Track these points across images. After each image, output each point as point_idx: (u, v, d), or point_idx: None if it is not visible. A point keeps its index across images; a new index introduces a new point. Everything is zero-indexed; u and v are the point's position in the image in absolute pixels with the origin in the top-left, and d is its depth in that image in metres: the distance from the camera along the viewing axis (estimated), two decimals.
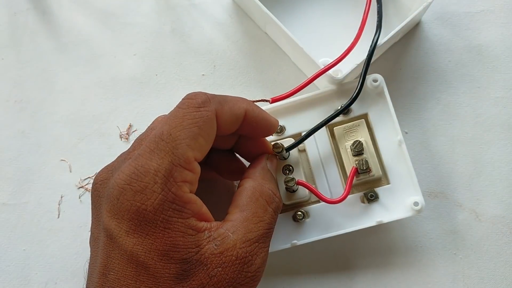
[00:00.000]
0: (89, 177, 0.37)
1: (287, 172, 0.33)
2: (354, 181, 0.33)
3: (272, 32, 0.39)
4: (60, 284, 0.36)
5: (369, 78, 0.33)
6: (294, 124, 0.34)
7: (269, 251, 0.31)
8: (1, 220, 0.37)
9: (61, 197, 0.37)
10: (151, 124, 0.30)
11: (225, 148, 0.32)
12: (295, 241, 0.32)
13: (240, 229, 0.26)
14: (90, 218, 0.29)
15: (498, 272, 0.35)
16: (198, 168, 0.26)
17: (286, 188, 0.32)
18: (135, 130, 0.38)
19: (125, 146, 0.38)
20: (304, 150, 0.34)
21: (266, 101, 0.32)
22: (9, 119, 0.39)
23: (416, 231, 0.36)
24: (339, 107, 0.33)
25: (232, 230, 0.26)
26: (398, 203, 0.32)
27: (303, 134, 0.34)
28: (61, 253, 0.36)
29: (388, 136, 0.34)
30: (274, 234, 0.31)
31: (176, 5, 0.41)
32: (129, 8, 0.41)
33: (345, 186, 0.33)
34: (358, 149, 0.32)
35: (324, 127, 0.33)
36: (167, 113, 0.28)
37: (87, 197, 0.37)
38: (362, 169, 0.32)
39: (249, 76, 0.39)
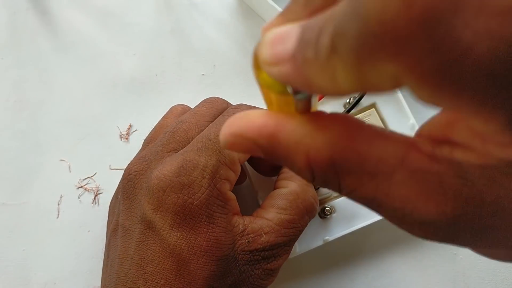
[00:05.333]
0: (88, 177, 0.37)
1: None
2: None
3: None
4: (59, 284, 0.36)
5: None
6: None
7: (301, 251, 0.32)
8: (0, 220, 0.37)
9: (61, 197, 0.37)
10: (169, 113, 0.31)
11: None
12: (327, 237, 0.33)
13: (274, 232, 0.27)
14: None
15: (498, 273, 0.35)
16: (239, 169, 0.27)
17: None
18: (135, 130, 0.38)
19: (125, 146, 0.38)
20: None
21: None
22: (9, 119, 0.39)
23: None
24: (348, 101, 0.33)
25: (266, 230, 0.26)
26: None
27: None
28: (60, 253, 0.36)
29: (400, 121, 0.34)
30: (303, 234, 0.32)
31: (176, 5, 0.41)
32: (129, 8, 0.41)
33: None
34: None
35: None
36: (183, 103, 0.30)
37: (87, 197, 0.37)
38: None
39: (249, 76, 0.39)
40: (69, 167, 0.38)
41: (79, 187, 0.37)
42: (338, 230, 0.33)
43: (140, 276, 0.25)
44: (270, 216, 0.27)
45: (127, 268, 0.26)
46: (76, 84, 0.39)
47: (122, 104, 0.39)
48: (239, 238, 0.26)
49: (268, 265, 0.26)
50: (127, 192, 0.28)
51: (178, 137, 0.28)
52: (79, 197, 0.37)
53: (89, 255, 0.36)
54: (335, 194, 0.34)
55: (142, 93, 0.39)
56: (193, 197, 0.25)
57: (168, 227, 0.25)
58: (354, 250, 0.35)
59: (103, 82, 0.39)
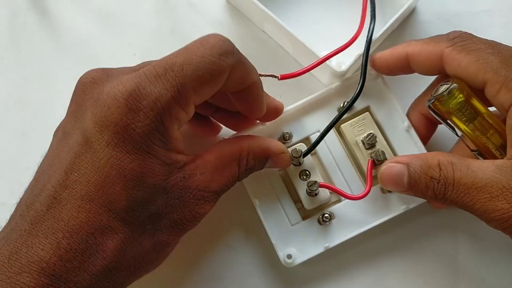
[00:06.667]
0: None
1: (305, 177, 0.33)
2: (372, 173, 0.33)
3: (270, 30, 0.39)
4: None
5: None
6: (299, 130, 0.34)
7: (302, 259, 0.32)
8: (0, 220, 0.37)
9: None
10: None
11: (213, 102, 0.32)
12: (327, 244, 0.32)
13: (208, 174, 0.27)
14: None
15: (499, 273, 0.35)
16: (193, 111, 0.26)
17: (308, 192, 0.32)
18: None
19: None
20: (314, 153, 0.34)
21: (275, 76, 0.32)
22: (9, 119, 0.39)
23: (416, 231, 0.36)
24: (341, 105, 0.33)
25: (201, 170, 0.27)
26: None
27: (311, 137, 0.34)
28: None
29: (395, 124, 0.34)
30: (303, 242, 0.33)
31: (175, 5, 0.41)
32: (129, 8, 0.41)
33: (363, 180, 0.34)
34: (372, 141, 0.33)
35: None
36: None
37: None
38: (379, 160, 0.32)
39: None
40: None
41: None
42: (338, 236, 0.33)
43: (62, 182, 0.25)
44: (209, 159, 0.28)
45: (53, 170, 0.26)
46: None
47: None
48: (176, 172, 0.26)
49: (197, 207, 0.27)
50: (76, 96, 0.28)
51: (151, 61, 0.27)
52: None
53: None
54: (334, 199, 0.34)
55: None
56: (136, 124, 0.24)
57: (104, 143, 0.24)
58: (353, 251, 0.35)
59: None
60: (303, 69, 0.33)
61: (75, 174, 0.25)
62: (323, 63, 0.33)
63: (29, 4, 0.41)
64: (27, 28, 0.41)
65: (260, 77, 0.29)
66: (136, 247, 0.26)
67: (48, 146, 0.38)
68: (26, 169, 0.38)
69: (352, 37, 0.33)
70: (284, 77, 0.32)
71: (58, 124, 0.39)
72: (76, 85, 0.28)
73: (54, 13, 0.41)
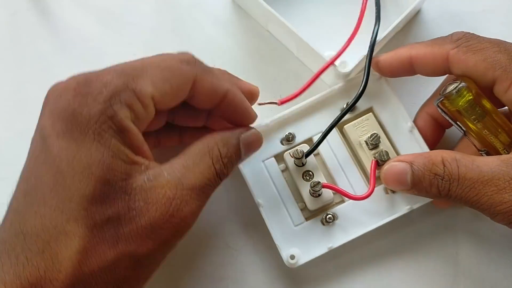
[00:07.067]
0: None
1: (308, 177, 0.33)
2: (376, 173, 0.33)
3: (275, 29, 0.38)
4: None
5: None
6: (302, 131, 0.34)
7: (306, 260, 0.32)
8: (0, 220, 0.37)
9: None
10: None
11: (197, 124, 0.31)
12: (331, 245, 0.32)
13: (177, 173, 0.25)
14: None
15: (499, 273, 0.35)
16: (152, 109, 0.25)
17: (311, 193, 0.32)
18: None
19: None
20: (318, 154, 0.34)
21: (274, 103, 0.32)
22: (9, 119, 0.39)
23: (416, 231, 0.36)
24: (345, 105, 0.33)
25: (168, 171, 0.25)
26: None
27: (314, 138, 0.34)
28: None
29: (398, 124, 0.34)
30: (306, 242, 0.32)
31: (175, 4, 0.41)
32: (129, 7, 0.41)
33: (366, 181, 0.34)
34: (375, 141, 0.33)
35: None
36: None
37: None
38: (382, 160, 0.32)
39: (250, 74, 0.39)
40: None
41: None
42: (342, 236, 0.33)
43: (23, 190, 0.24)
44: (175, 161, 0.26)
45: (18, 182, 0.25)
46: None
47: None
48: (137, 174, 0.24)
49: (170, 208, 0.24)
50: (46, 101, 0.26)
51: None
52: None
53: None
54: (337, 200, 0.34)
55: None
56: (83, 107, 0.23)
57: (55, 134, 0.23)
58: (353, 251, 0.35)
59: None
60: (300, 89, 0.32)
61: (33, 179, 0.23)
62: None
63: (29, 4, 0.41)
64: (27, 28, 0.40)
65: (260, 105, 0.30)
66: (97, 258, 0.22)
67: None
68: None
69: (348, 39, 0.33)
70: (283, 102, 0.32)
71: None
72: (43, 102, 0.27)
73: (54, 13, 0.41)
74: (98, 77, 0.24)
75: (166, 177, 0.24)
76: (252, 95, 0.31)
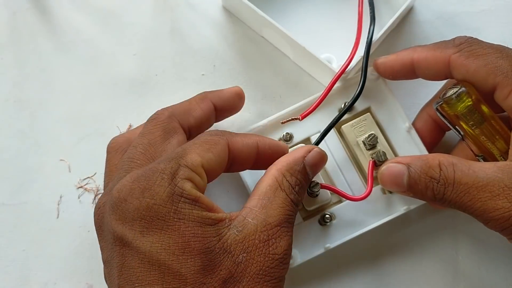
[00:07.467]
0: (88, 177, 0.37)
1: None
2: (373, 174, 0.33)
3: (270, 35, 0.38)
4: (60, 284, 0.36)
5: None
6: (300, 130, 0.34)
7: (303, 260, 0.32)
8: (0, 220, 0.37)
9: (60, 197, 0.37)
10: (112, 153, 0.31)
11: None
12: (328, 245, 0.32)
13: (260, 215, 0.26)
14: (93, 224, 0.28)
15: (499, 273, 0.35)
16: (205, 176, 0.26)
17: (309, 193, 0.32)
18: None
19: None
20: None
21: (296, 119, 0.32)
22: (9, 119, 0.39)
23: (416, 231, 0.36)
24: (342, 105, 0.33)
25: (251, 216, 0.26)
26: None
27: (312, 138, 0.34)
28: (60, 253, 0.36)
29: (396, 124, 0.34)
30: (304, 242, 0.32)
31: (175, 5, 0.41)
32: (129, 8, 0.41)
33: (363, 181, 0.34)
34: (373, 142, 0.33)
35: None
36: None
37: (87, 197, 0.37)
38: (380, 161, 0.32)
39: (249, 75, 0.39)
40: (69, 167, 0.38)
41: (79, 187, 0.37)
42: (339, 236, 0.33)
43: None
44: (253, 204, 0.26)
45: None
46: (76, 84, 0.39)
47: (122, 104, 0.39)
48: (226, 231, 0.25)
49: (270, 248, 0.25)
50: (97, 225, 0.27)
51: (138, 161, 0.28)
52: (79, 197, 0.37)
53: (89, 255, 0.36)
54: (335, 200, 0.34)
55: (142, 93, 0.39)
56: (155, 198, 0.24)
57: (139, 235, 0.24)
58: (354, 255, 0.35)
59: (103, 82, 0.39)
60: (318, 101, 0.33)
61: (137, 285, 0.24)
62: (324, 65, 0.33)
63: (29, 4, 0.41)
64: (27, 28, 0.40)
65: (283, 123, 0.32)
66: None
67: (48, 146, 0.38)
68: (25, 169, 0.38)
69: (355, 43, 0.33)
70: (304, 116, 0.32)
71: (57, 123, 0.39)
72: (94, 220, 0.28)
73: (54, 12, 0.41)
74: (152, 170, 0.25)
75: (252, 222, 0.25)
76: (239, 96, 0.33)
